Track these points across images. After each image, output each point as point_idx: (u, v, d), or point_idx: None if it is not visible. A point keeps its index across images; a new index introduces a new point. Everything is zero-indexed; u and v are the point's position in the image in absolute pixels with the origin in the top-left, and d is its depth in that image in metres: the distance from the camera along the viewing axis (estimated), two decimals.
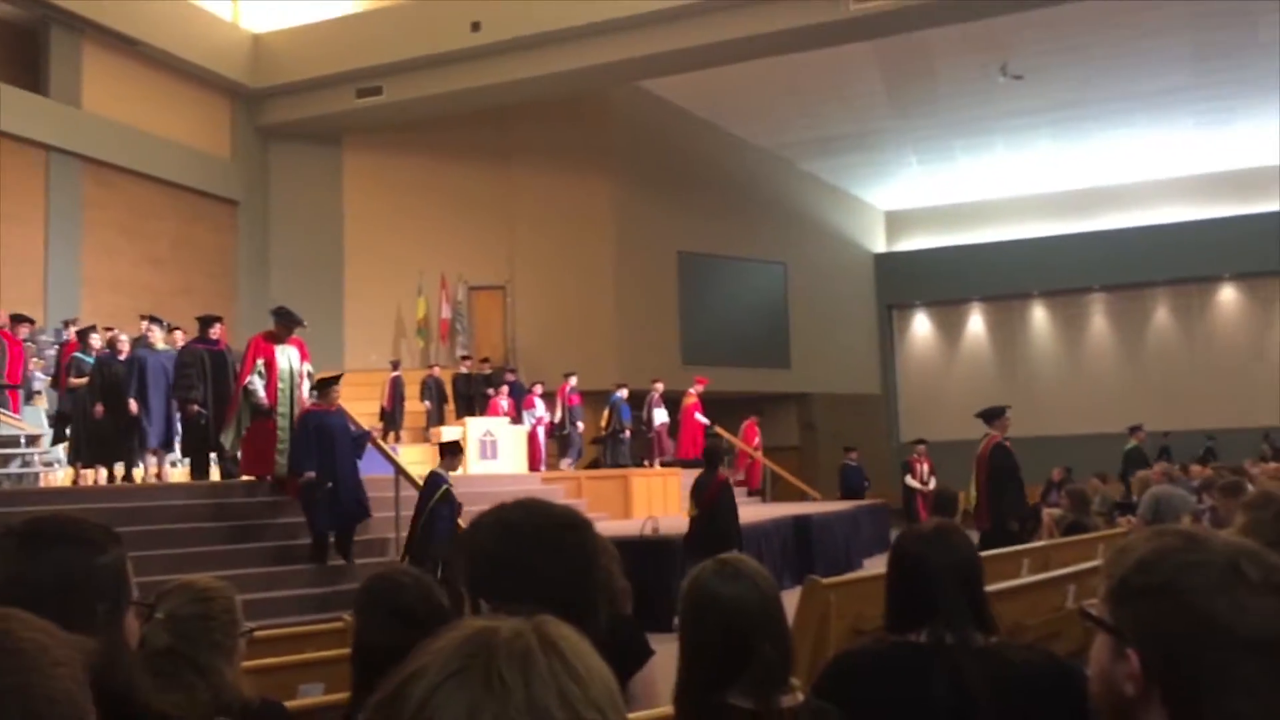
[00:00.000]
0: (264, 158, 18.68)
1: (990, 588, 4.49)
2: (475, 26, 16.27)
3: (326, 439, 8.72)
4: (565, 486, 12.60)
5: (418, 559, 7.82)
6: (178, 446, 10.45)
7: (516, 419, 14.73)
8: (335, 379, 9.25)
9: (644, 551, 8.27)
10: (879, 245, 23.93)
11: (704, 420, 16.42)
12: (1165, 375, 21.47)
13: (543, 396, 15.67)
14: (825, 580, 5.12)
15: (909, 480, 15.78)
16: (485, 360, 17.33)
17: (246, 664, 2.66)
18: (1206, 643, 1.22)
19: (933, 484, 15.87)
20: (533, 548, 1.60)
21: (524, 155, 18.99)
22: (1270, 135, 20.15)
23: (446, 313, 18.33)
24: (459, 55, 16.50)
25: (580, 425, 15.98)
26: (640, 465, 15.64)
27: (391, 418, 16.14)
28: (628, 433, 15.77)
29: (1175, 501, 8.58)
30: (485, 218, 18.77)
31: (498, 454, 13.38)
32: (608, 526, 10.80)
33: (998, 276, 22.34)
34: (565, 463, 15.61)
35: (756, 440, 17.14)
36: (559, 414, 15.83)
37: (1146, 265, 21.30)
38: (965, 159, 21.77)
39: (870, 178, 22.75)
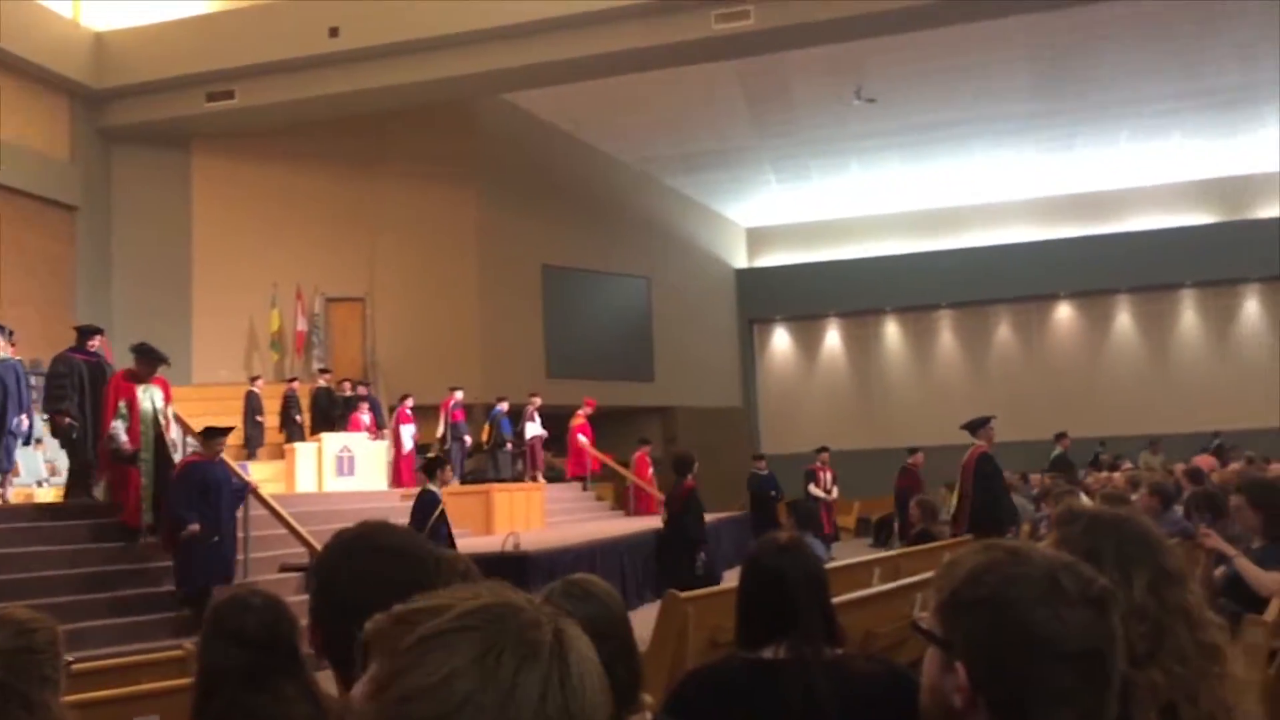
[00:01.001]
0: (106, 161, 17.74)
1: (844, 597, 4.60)
2: (334, 32, 15.88)
3: (211, 492, 8.33)
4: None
5: None
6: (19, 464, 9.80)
7: (376, 435, 14.39)
8: (224, 431, 8.85)
9: (504, 567, 8.17)
10: (740, 261, 24.38)
11: (584, 441, 16.50)
12: (1008, 387, 22.48)
13: (413, 410, 15.44)
14: (683, 594, 5.14)
15: (813, 489, 15.58)
16: (344, 380, 16.81)
17: (78, 697, 2.53)
18: (1028, 654, 1.25)
19: (835, 493, 16.05)
20: (370, 573, 1.53)
21: (385, 165, 18.61)
22: (1107, 161, 21.44)
23: (302, 325, 17.77)
24: (316, 61, 16.07)
25: (468, 439, 15.81)
26: (521, 479, 15.60)
27: (247, 436, 15.54)
28: (509, 446, 15.75)
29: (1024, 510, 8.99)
30: (344, 228, 18.30)
31: (355, 470, 13.03)
32: (468, 543, 10.64)
33: (853, 293, 23.03)
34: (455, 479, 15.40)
35: (649, 473, 17.09)
36: (441, 429, 15.64)
37: (991, 283, 22.30)
38: (821, 178, 22.40)
39: (732, 194, 23.19)
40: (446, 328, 18.16)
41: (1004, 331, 23.19)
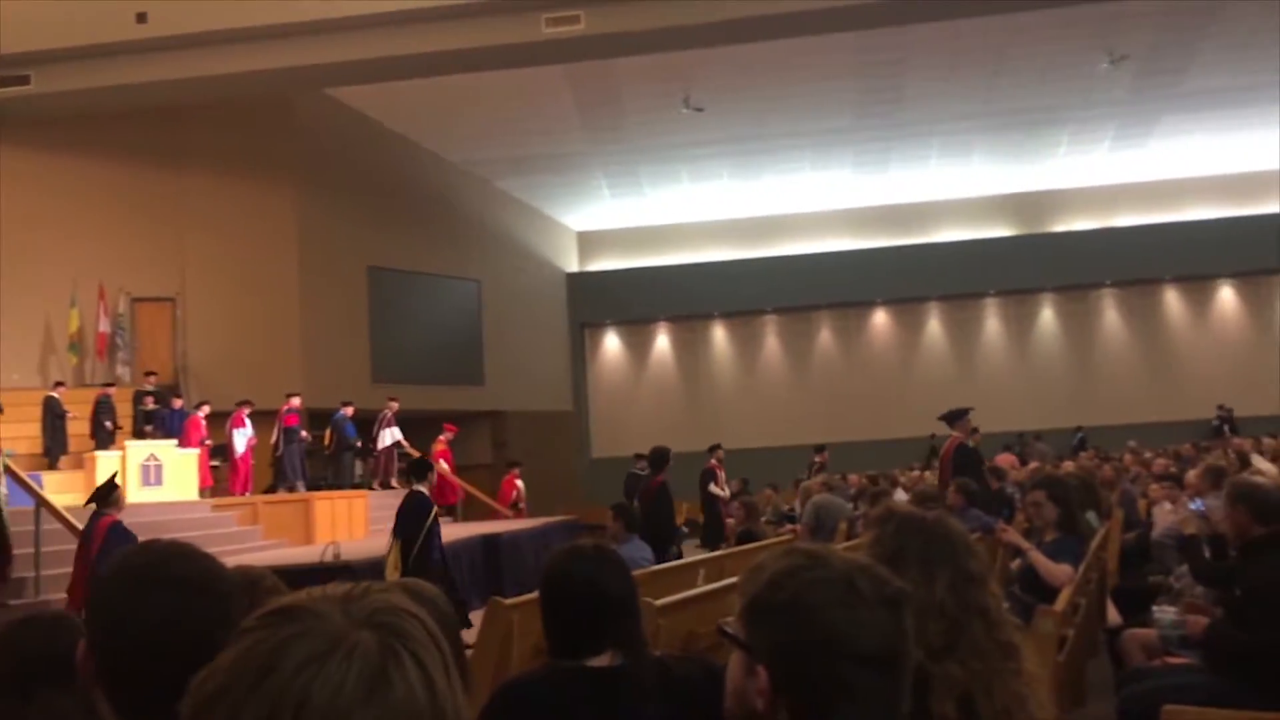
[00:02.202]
0: None
1: (668, 599, 4.64)
2: (141, 18, 14.97)
3: None
4: (239, 513, 11.82)
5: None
6: None
7: (185, 442, 13.64)
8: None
9: (323, 579, 7.87)
10: (572, 265, 24.41)
11: (445, 468, 16.24)
12: (829, 390, 23.36)
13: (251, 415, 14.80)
14: (508, 600, 5.08)
15: (713, 488, 14.77)
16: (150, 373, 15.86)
17: None
18: (826, 656, 1.28)
19: (727, 493, 15.31)
20: (164, 616, 1.36)
21: (198, 159, 17.70)
22: (920, 176, 22.55)
23: (105, 326, 16.67)
24: (122, 47, 15.10)
25: (307, 437, 15.27)
26: (371, 487, 15.20)
27: (47, 444, 14.44)
28: (375, 449, 15.42)
29: (834, 509, 9.31)
30: (152, 225, 17.29)
31: (162, 480, 12.33)
32: (285, 554, 10.23)
33: (683, 298, 23.43)
34: (301, 485, 14.78)
35: (513, 495, 16.99)
36: (275, 435, 15.04)
37: (813, 290, 23.11)
38: (652, 184, 22.70)
39: (563, 198, 23.20)
40: (264, 330, 17.42)
41: (825, 336, 24.06)
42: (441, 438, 17.02)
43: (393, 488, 15.35)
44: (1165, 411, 21.32)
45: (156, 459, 12.47)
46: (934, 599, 1.80)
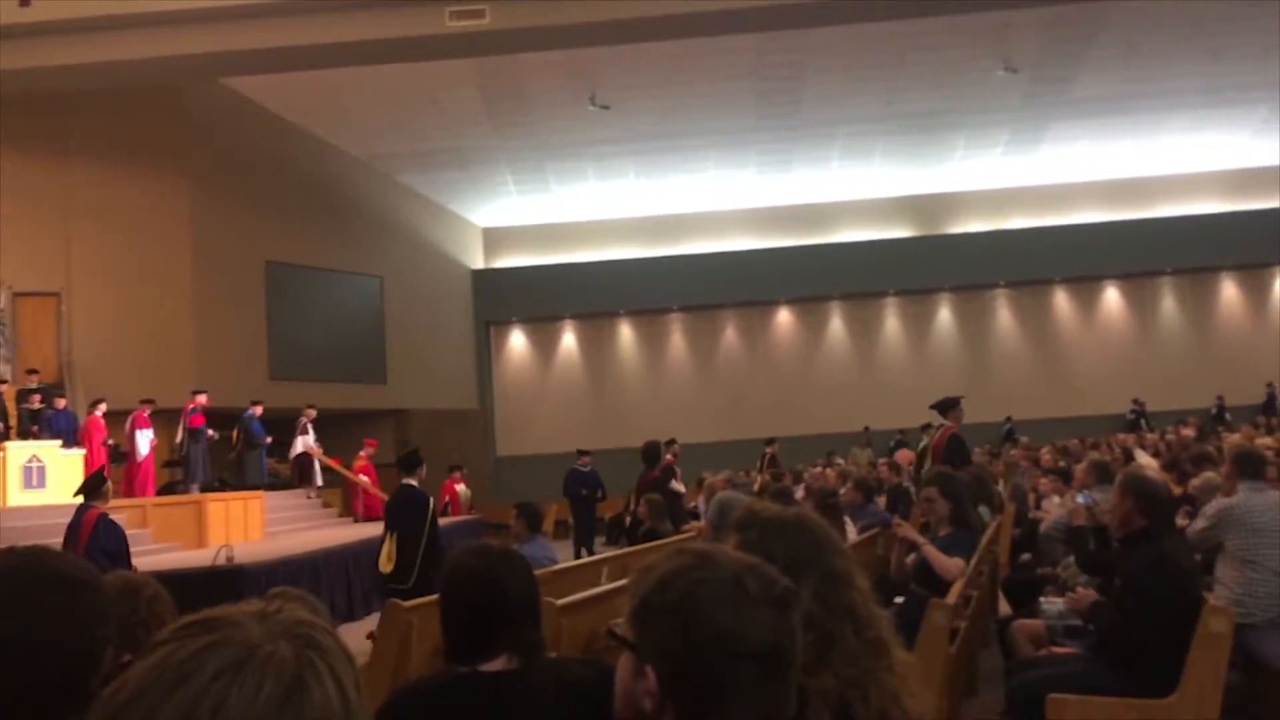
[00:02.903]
0: None
1: (570, 598, 4.62)
2: (24, 0, 14.35)
3: None
4: (128, 515, 11.39)
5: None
6: None
7: (70, 443, 13.10)
8: None
9: (215, 583, 7.66)
10: (477, 262, 24.17)
11: (367, 481, 15.99)
12: (733, 388, 23.61)
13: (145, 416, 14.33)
14: (406, 603, 5.00)
15: (674, 484, 14.26)
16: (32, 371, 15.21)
17: None
18: (713, 655, 1.28)
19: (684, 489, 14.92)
20: (41, 612, 1.37)
21: (85, 149, 17.03)
22: (822, 176, 22.91)
23: None
24: (4, 31, 14.43)
25: (214, 435, 14.88)
26: (290, 488, 14.92)
27: None
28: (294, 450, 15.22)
29: (737, 507, 9.40)
30: (35, 216, 16.56)
31: (45, 482, 11.82)
32: (176, 558, 9.92)
33: (589, 295, 23.40)
34: (195, 486, 14.32)
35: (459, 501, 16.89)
36: (180, 434, 14.58)
37: (718, 288, 23.31)
38: (559, 181, 22.62)
39: (468, 194, 22.96)
40: (156, 326, 16.85)
41: (730, 334, 24.29)
42: (363, 453, 16.85)
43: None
44: (1054, 408, 22.08)
45: (39, 460, 11.94)
46: (802, 608, 1.79)
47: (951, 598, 4.34)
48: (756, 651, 1.29)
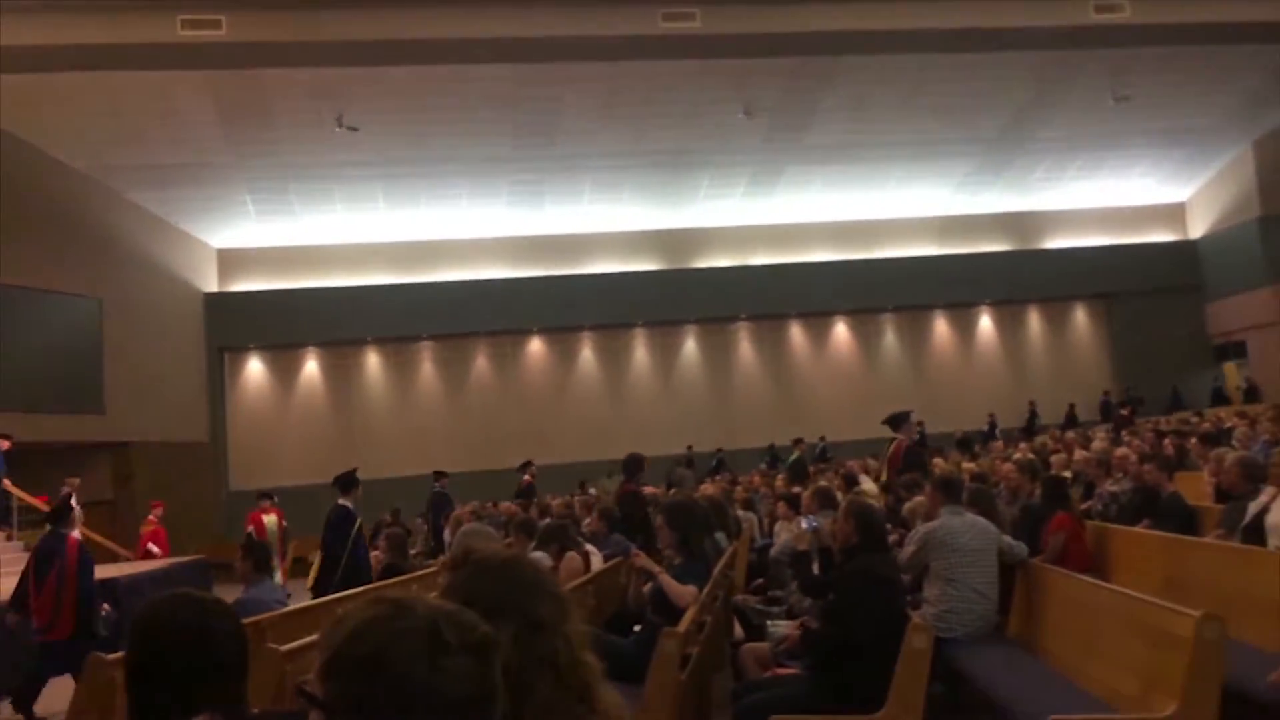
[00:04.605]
0: None
1: (297, 643, 4.38)
2: None
3: None
4: None
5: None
6: None
7: None
8: None
9: None
10: (211, 285, 22.80)
11: (157, 551, 14.44)
12: (484, 418, 23.41)
13: None
14: (111, 656, 4.59)
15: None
16: None
17: None
18: (409, 709, 1.23)
19: None
20: None
21: None
22: (575, 209, 23.21)
23: None
24: None
25: None
26: None
27: None
28: None
29: (483, 539, 9.26)
30: None
31: None
32: None
33: (334, 322, 22.59)
34: None
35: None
36: None
37: (471, 317, 23.10)
38: (303, 203, 21.75)
39: (202, 214, 21.64)
40: None
41: (482, 363, 24.11)
42: (151, 516, 15.28)
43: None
44: (790, 435, 23.28)
45: None
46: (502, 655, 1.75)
47: (683, 625, 4.45)
48: (453, 703, 1.25)
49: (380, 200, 22.00)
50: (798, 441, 19.21)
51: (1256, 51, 19.59)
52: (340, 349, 23.40)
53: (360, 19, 13.97)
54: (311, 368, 23.46)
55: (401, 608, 1.32)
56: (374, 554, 11.23)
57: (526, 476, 15.73)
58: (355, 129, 18.40)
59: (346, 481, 8.94)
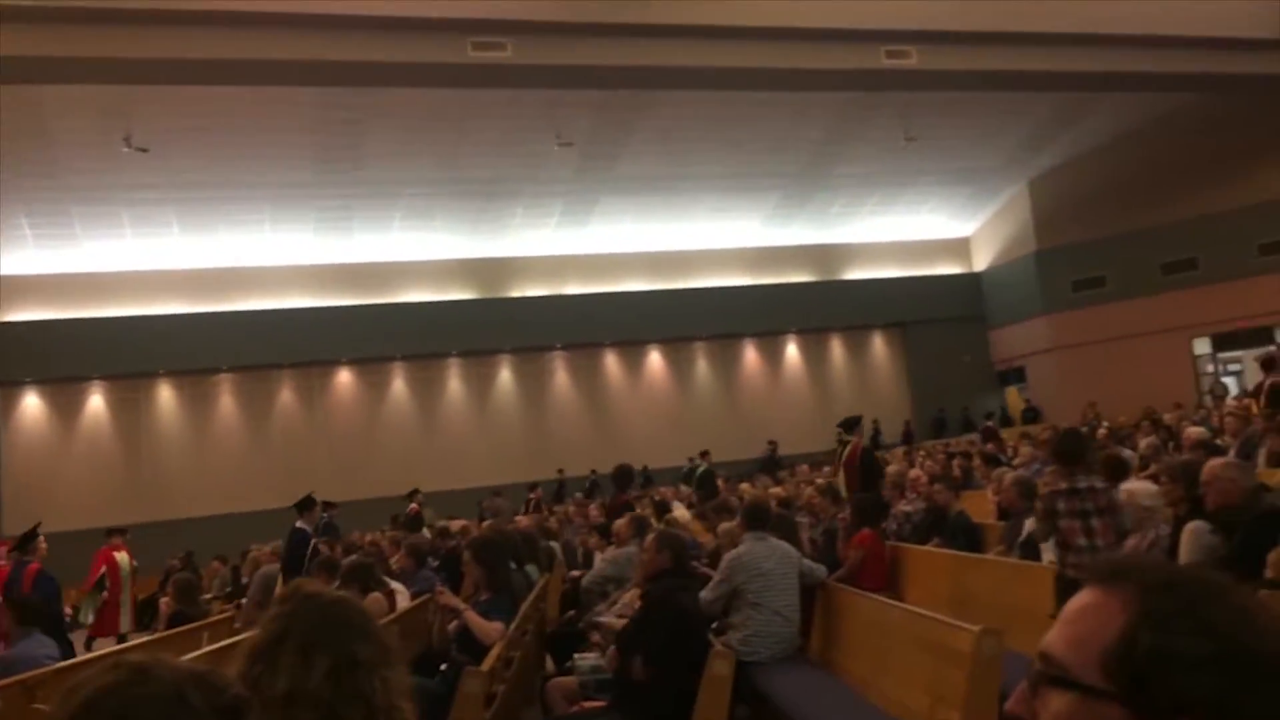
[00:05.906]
0: None
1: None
2: None
3: None
4: None
5: None
6: None
7: None
8: None
9: None
10: None
11: None
12: (291, 451, 22.44)
13: None
14: None
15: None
16: None
17: None
18: None
19: None
20: None
21: None
22: (384, 236, 22.67)
23: None
24: None
25: None
26: None
27: None
28: None
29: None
30: None
31: None
32: None
33: (122, 354, 21.19)
34: None
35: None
36: None
37: (274, 348, 22.15)
38: (87, 228, 20.37)
39: None
40: None
41: (287, 396, 23.15)
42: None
43: None
44: (607, 463, 23.36)
45: None
46: (308, 686, 1.78)
47: (488, 663, 4.36)
48: None
49: (174, 225, 20.86)
50: (704, 454, 18.67)
51: (1031, 99, 21.22)
52: (129, 382, 21.97)
53: (150, 36, 13.21)
54: (96, 402, 21.94)
55: (141, 673, 1.24)
56: (163, 601, 10.59)
57: (413, 505, 15.84)
58: (145, 150, 17.40)
59: (305, 504, 9.61)
